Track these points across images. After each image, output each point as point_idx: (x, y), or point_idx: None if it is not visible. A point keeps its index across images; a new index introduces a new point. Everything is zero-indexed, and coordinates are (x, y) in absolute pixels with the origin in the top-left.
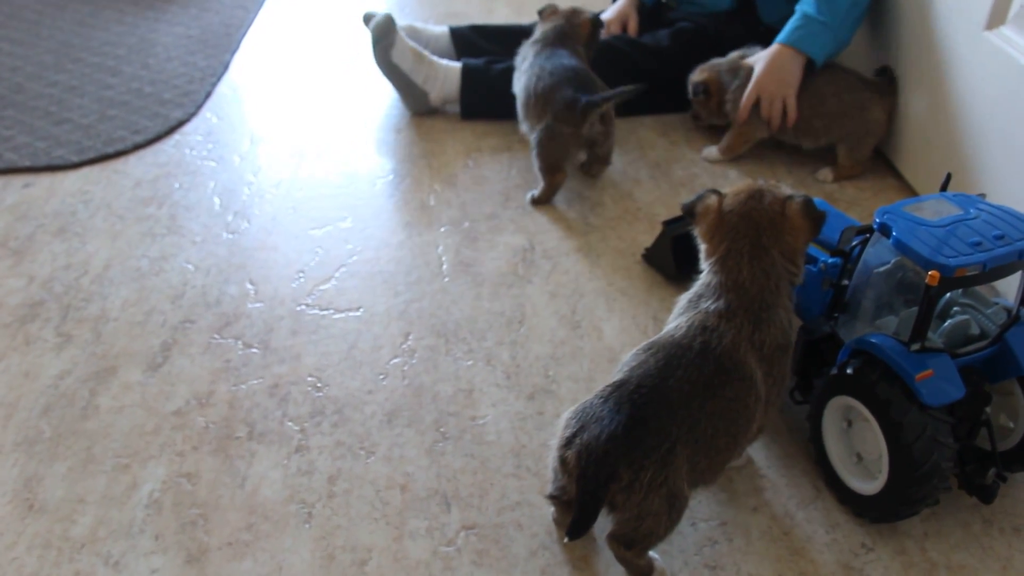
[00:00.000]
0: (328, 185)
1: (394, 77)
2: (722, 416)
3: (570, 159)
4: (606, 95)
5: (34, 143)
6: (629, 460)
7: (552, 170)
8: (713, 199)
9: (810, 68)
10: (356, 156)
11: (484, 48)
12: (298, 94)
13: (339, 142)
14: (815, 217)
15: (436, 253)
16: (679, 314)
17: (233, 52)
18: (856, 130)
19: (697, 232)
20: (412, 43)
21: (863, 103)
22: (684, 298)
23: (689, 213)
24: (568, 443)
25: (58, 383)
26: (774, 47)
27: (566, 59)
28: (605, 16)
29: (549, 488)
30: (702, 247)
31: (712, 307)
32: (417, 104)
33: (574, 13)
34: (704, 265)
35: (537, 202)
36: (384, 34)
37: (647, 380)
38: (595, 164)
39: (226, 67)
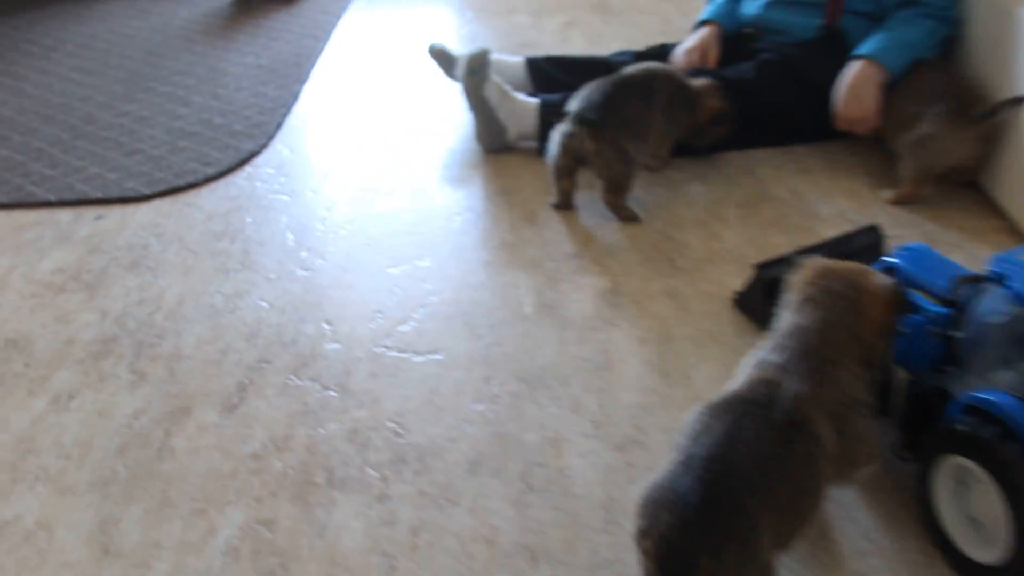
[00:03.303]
0: (403, 221)
1: (480, 112)
2: (798, 478)
3: (558, 166)
4: (584, 111)
5: (105, 174)
6: (708, 547)
7: (553, 173)
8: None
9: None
10: (431, 192)
11: (560, 80)
12: (369, 126)
13: (413, 177)
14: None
15: (518, 294)
16: (748, 368)
17: (303, 82)
18: (908, 143)
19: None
20: (498, 78)
21: (921, 120)
22: (756, 355)
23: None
24: (644, 534)
25: (132, 422)
26: (851, 65)
27: (623, 98)
28: (684, 46)
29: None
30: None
31: (777, 360)
32: (494, 140)
33: (706, 91)
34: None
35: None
36: (481, 66)
37: (716, 450)
38: (602, 191)
39: (296, 97)
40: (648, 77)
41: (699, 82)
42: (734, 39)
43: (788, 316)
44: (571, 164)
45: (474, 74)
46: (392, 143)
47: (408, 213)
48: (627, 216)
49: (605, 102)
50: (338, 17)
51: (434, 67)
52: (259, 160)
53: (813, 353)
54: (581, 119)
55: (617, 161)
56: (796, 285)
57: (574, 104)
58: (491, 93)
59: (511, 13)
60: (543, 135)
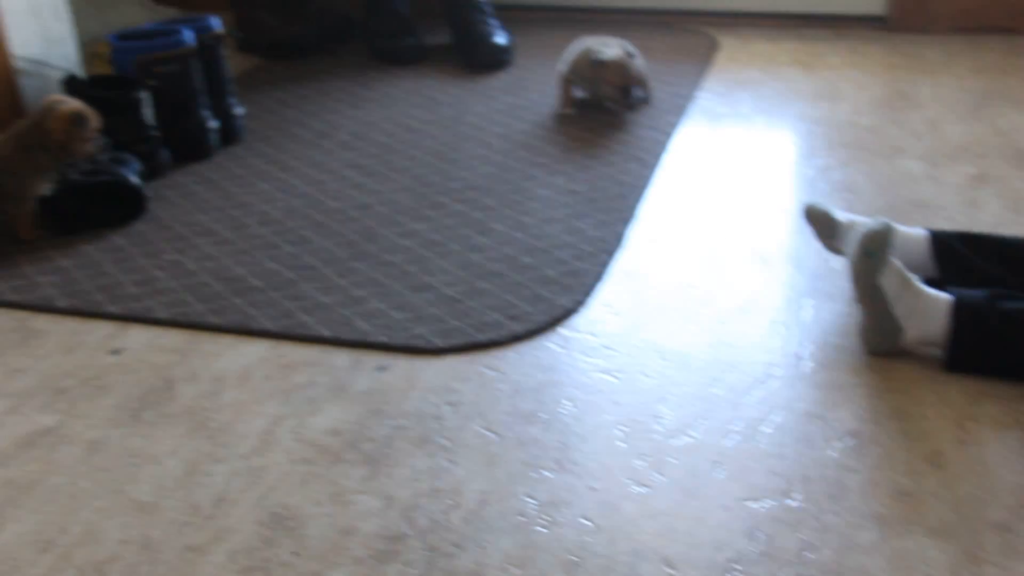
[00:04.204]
0: (764, 437)
1: (871, 303)
2: None
3: None
4: None
5: (390, 312)
6: None
7: None
8: None
9: None
10: (798, 400)
11: (976, 266)
12: (713, 289)
13: (773, 375)
14: None
15: (925, 572)
16: None
17: (629, 221)
18: None
19: None
20: (898, 262)
21: None
22: None
23: None
24: None
25: None
26: None
27: None
28: None
29: None
30: None
31: None
32: (885, 341)
33: None
34: None
35: None
36: (881, 248)
37: None
38: None
39: (621, 241)
40: None
41: None
42: None
43: None
44: None
45: (870, 256)
46: (745, 319)
47: (769, 427)
48: None
49: None
50: (668, 136)
51: (806, 228)
52: (577, 321)
53: None
54: None
55: None
56: None
57: None
58: (889, 282)
59: (897, 156)
60: (955, 343)
